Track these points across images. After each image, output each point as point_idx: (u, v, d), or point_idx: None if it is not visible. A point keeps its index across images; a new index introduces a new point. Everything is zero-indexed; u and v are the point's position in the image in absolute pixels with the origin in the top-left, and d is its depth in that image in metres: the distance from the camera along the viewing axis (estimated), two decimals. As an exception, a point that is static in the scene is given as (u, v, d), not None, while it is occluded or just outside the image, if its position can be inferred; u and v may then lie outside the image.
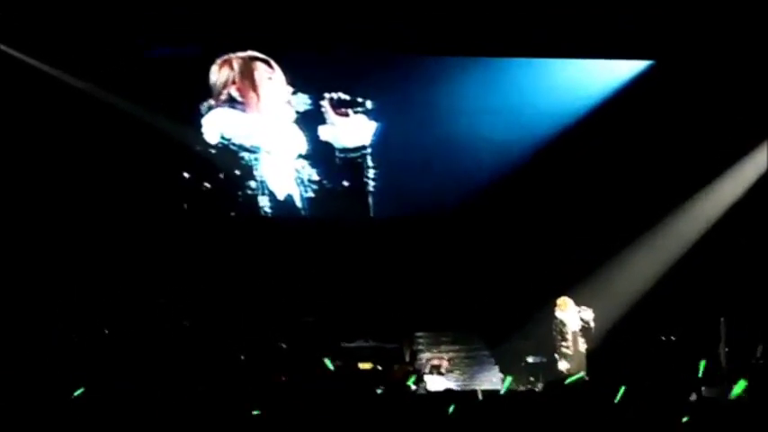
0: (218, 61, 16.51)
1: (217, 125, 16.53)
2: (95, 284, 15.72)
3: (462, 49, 16.67)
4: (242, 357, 15.17)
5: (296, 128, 16.74)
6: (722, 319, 14.98)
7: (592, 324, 14.16)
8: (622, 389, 6.64)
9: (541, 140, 17.13)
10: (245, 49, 16.52)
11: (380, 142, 16.84)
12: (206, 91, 16.51)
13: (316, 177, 16.78)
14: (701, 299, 16.18)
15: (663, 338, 16.13)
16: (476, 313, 16.83)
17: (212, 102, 16.51)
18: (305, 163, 16.76)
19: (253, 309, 16.05)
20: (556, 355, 14.22)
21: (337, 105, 16.47)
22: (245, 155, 16.66)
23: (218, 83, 16.53)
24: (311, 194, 16.77)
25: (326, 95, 16.50)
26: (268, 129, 16.70)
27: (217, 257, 16.36)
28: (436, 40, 16.36)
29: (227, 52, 16.48)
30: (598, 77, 17.33)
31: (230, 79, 16.57)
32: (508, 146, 17.03)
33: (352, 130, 16.69)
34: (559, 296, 15.01)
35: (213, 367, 14.33)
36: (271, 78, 16.62)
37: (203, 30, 15.85)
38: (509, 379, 8.26)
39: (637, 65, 17.29)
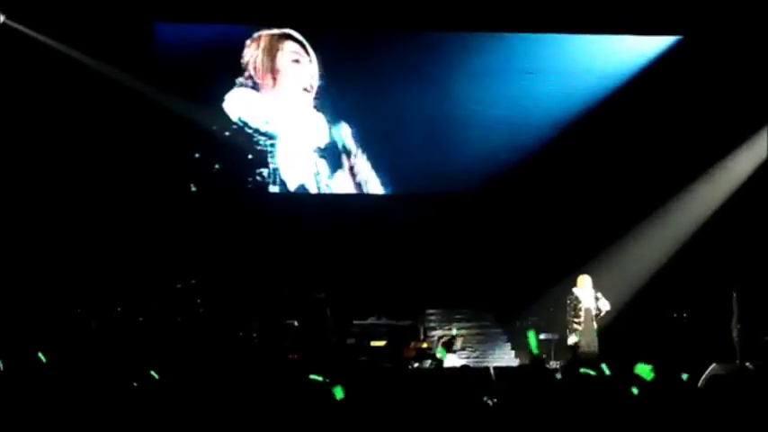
0: (253, 37, 16.16)
1: (236, 105, 16.21)
2: (105, 266, 15.72)
3: (482, 24, 16.59)
4: (254, 335, 15.22)
5: (318, 117, 16.47)
6: (734, 295, 14.94)
7: (604, 312, 14.11)
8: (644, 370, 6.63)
9: (558, 121, 17.11)
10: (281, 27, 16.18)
11: (398, 120, 16.80)
12: (231, 68, 16.25)
13: (335, 181, 16.66)
14: (714, 276, 16.14)
15: (675, 315, 16.14)
16: (488, 291, 16.81)
17: (241, 80, 16.22)
18: (324, 163, 16.63)
19: (265, 287, 16.04)
20: (567, 330, 14.21)
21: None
22: (261, 139, 16.41)
23: (244, 60, 16.15)
24: (327, 191, 16.70)
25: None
26: (286, 115, 16.35)
27: (227, 234, 16.34)
28: (456, 15, 16.26)
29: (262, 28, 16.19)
30: (620, 55, 17.25)
31: (254, 58, 16.24)
32: (525, 126, 17.01)
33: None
34: (570, 273, 14.97)
35: (227, 346, 14.37)
36: (297, 61, 16.26)
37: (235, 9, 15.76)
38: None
39: (661, 42, 17.19)
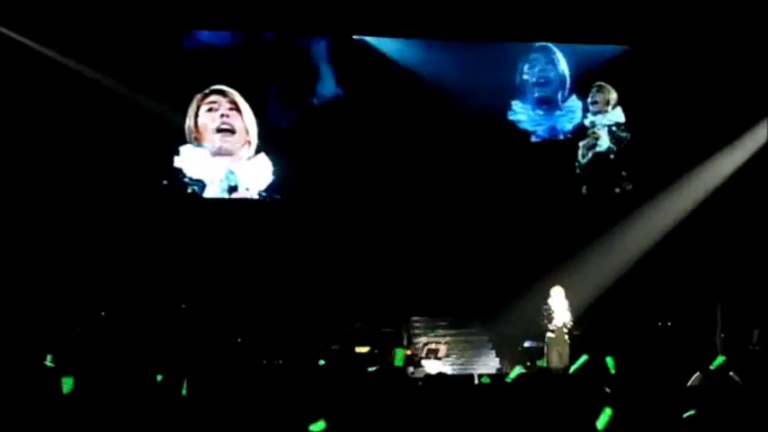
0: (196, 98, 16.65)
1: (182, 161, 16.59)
2: (89, 269, 15.68)
3: (446, 33, 16.87)
4: (239, 340, 15.21)
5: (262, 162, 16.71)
6: (718, 304, 15.00)
7: (569, 324, 14.26)
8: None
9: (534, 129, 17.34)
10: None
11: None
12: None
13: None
14: (698, 285, 16.19)
15: (659, 324, 16.17)
16: (472, 298, 16.81)
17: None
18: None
19: (250, 293, 16.02)
20: (545, 338, 14.35)
21: None
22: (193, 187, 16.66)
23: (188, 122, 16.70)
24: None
25: None
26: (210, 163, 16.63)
27: (213, 243, 16.31)
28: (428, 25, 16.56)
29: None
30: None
31: (192, 119, 16.59)
32: (500, 133, 17.21)
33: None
34: (555, 280, 15.05)
35: (211, 350, 14.36)
36: (211, 110, 16.52)
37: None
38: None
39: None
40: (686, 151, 17.03)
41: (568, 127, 17.58)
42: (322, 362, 8.88)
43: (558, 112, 17.56)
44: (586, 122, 17.59)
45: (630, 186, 17.45)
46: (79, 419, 5.90)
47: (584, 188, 17.54)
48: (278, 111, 16.87)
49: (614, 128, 17.54)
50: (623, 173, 17.51)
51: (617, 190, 17.54)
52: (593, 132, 17.54)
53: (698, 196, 17.02)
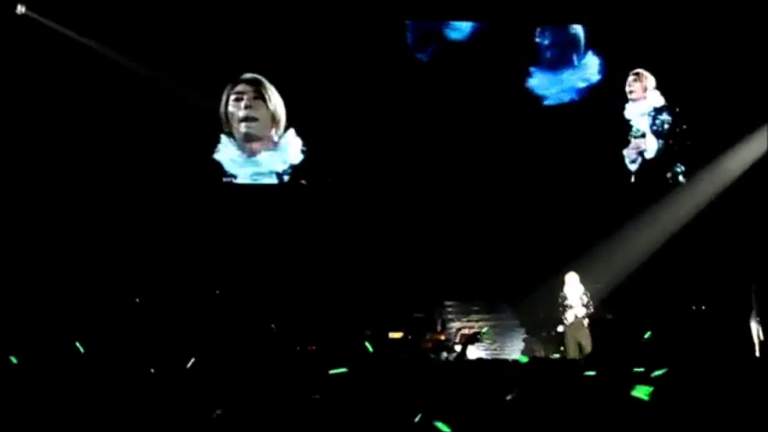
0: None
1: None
2: (126, 259, 15.78)
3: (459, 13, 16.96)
4: (273, 327, 15.28)
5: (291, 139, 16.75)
6: (753, 286, 14.88)
7: (584, 313, 14.25)
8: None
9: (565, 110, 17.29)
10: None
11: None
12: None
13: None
14: (732, 268, 16.08)
15: (693, 308, 16.09)
16: (504, 281, 16.79)
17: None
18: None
19: (283, 279, 16.08)
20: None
21: None
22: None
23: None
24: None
25: None
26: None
27: (246, 228, 16.37)
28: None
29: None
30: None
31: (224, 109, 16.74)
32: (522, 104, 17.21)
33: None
34: (583, 263, 15.06)
35: (244, 338, 14.44)
36: (238, 99, 16.59)
37: None
38: None
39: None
40: (720, 132, 16.93)
41: (581, 85, 17.50)
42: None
43: (569, 71, 17.46)
44: (626, 115, 17.51)
45: (683, 170, 17.40)
46: (111, 403, 5.95)
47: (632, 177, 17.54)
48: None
49: (653, 114, 17.43)
50: (674, 160, 17.48)
51: (670, 182, 17.52)
52: (636, 135, 17.47)
53: (732, 177, 16.92)
